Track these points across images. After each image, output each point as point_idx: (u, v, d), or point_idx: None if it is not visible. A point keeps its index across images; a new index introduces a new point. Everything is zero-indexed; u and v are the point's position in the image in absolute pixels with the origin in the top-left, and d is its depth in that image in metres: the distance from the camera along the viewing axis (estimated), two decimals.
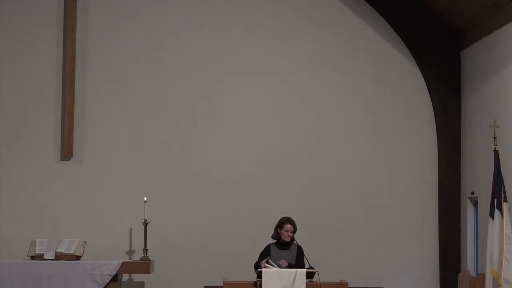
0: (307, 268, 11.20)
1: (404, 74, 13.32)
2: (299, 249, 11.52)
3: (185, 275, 12.93)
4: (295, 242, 11.53)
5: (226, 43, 13.30)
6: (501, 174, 10.63)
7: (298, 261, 11.44)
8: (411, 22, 13.27)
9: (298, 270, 11.08)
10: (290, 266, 11.30)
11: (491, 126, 11.07)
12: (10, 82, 13.10)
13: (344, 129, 13.33)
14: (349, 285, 11.32)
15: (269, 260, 11.22)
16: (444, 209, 13.15)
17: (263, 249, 11.55)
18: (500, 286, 10.35)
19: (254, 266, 11.35)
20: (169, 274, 12.91)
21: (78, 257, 12.23)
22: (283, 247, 11.51)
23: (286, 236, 11.45)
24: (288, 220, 11.50)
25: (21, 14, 13.16)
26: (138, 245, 12.74)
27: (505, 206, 10.54)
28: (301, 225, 12.55)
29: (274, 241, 11.57)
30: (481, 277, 11.04)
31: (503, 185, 10.62)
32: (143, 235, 12.47)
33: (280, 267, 11.20)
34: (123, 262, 12.12)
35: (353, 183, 13.27)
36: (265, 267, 11.08)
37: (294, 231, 11.50)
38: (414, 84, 13.31)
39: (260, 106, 13.24)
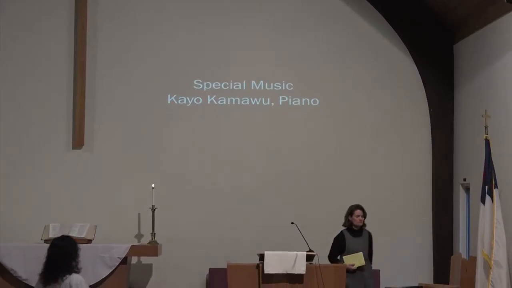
0: (307, 251, 11.15)
1: (399, 67, 13.35)
2: (370, 237, 11.41)
3: (191, 258, 13.00)
4: (366, 228, 11.41)
5: (229, 37, 13.32)
6: (492, 162, 10.70)
7: (369, 248, 11.36)
8: (407, 18, 13.33)
9: (299, 253, 11.00)
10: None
11: (482, 116, 11.08)
12: (25, 76, 13.10)
13: (342, 120, 13.36)
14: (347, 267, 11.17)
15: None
16: (437, 195, 13.23)
17: (336, 235, 11.43)
18: (490, 268, 10.43)
19: (329, 257, 11.36)
20: (176, 257, 12.97)
21: (89, 241, 12.25)
22: (356, 234, 11.36)
23: (358, 221, 11.28)
24: (358, 206, 11.36)
25: (33, 11, 13.12)
26: (146, 230, 12.78)
27: (495, 192, 10.62)
28: (301, 212, 12.94)
29: (345, 228, 11.46)
30: (472, 259, 11.12)
31: (494, 172, 10.68)
32: (151, 220, 12.51)
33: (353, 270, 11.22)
34: (132, 246, 12.17)
35: (350, 172, 13.30)
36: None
37: (365, 216, 11.34)
38: (409, 77, 13.34)
39: (262, 96, 13.26)
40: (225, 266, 11.17)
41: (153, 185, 12.61)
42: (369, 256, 11.31)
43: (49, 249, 7.97)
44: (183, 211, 13.07)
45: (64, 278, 7.78)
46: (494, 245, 10.44)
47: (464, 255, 12.15)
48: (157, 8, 13.26)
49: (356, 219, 11.29)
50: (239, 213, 13.12)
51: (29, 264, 11.81)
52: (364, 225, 11.36)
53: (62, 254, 7.87)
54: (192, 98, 13.20)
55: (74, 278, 7.81)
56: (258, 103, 13.24)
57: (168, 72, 13.22)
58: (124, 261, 12.02)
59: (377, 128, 13.35)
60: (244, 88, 13.24)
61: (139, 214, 12.94)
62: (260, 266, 10.96)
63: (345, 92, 13.33)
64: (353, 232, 11.34)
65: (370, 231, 11.41)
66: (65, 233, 11.84)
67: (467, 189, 12.74)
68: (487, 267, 10.48)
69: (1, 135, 12.97)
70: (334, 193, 13.20)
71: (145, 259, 12.86)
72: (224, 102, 13.22)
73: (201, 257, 12.92)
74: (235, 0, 13.31)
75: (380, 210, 12.85)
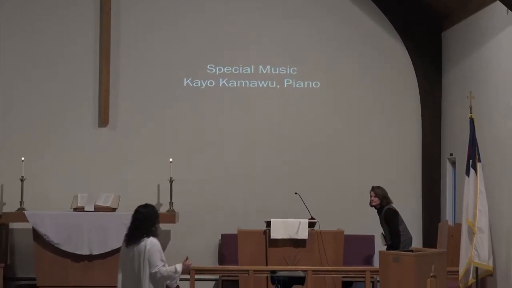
0: (309, 219, 11.52)
1: (392, 53, 13.58)
2: (385, 212, 11.52)
3: (205, 225, 13.33)
4: (388, 207, 11.55)
5: (239, 27, 13.58)
6: (476, 138, 10.78)
7: (386, 226, 11.49)
8: (400, 8, 13.53)
9: (302, 220, 11.43)
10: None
11: (467, 97, 11.11)
12: (57, 63, 13.42)
13: (340, 101, 13.63)
14: (345, 233, 11.67)
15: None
16: (426, 168, 13.51)
17: None
18: (474, 234, 10.56)
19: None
20: (191, 224, 13.28)
21: (113, 209, 12.56)
22: (379, 213, 11.68)
23: (370, 201, 11.67)
24: (372, 188, 11.68)
25: (62, 2, 13.50)
26: (164, 199, 13.10)
27: (479, 165, 10.72)
28: (304, 183, 13.23)
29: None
30: (458, 226, 11.41)
31: (477, 148, 10.77)
32: (169, 190, 12.83)
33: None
34: None
35: (347, 147, 13.59)
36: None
37: (377, 196, 11.55)
38: (401, 62, 13.58)
39: (269, 79, 13.55)
40: (236, 232, 11.69)
41: (171, 159, 12.91)
42: (390, 234, 11.46)
43: (133, 215, 8.33)
44: (198, 183, 13.35)
45: (142, 240, 8.10)
46: (477, 213, 10.52)
47: (450, 222, 12.43)
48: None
49: (370, 200, 11.73)
50: (248, 184, 13.46)
51: (60, 230, 12.31)
52: (383, 204, 11.53)
53: (144, 219, 8.22)
54: (206, 81, 13.53)
55: (150, 241, 8.12)
56: (265, 86, 13.56)
57: (184, 57, 13.52)
58: None
59: (372, 108, 13.59)
60: (253, 72, 13.57)
61: (158, 185, 13.25)
62: (267, 232, 11.46)
63: (343, 76, 13.59)
64: (378, 212, 11.72)
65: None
66: (92, 202, 12.46)
67: (453, 163, 12.94)
68: (471, 233, 10.55)
69: (37, 114, 13.35)
70: (332, 166, 13.53)
71: (164, 226, 12.81)
72: (235, 85, 13.54)
73: (214, 224, 13.26)
74: None
75: (375, 182, 12.52)
